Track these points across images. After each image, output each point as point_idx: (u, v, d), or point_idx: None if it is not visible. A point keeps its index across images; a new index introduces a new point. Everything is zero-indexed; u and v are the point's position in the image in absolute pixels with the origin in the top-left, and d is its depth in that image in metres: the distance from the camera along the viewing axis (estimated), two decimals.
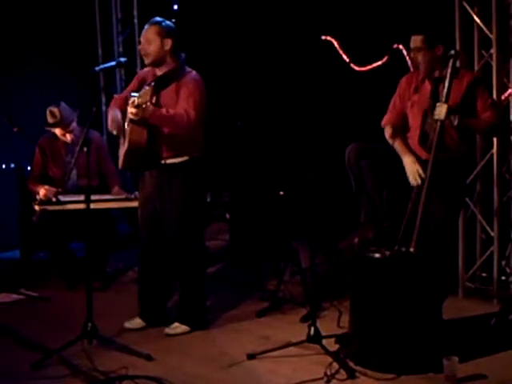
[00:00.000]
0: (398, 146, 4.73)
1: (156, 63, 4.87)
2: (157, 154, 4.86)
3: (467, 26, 5.53)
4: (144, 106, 4.57)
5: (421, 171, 4.52)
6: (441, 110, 4.39)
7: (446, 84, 4.44)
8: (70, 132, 6.32)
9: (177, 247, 4.96)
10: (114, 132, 4.96)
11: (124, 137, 4.90)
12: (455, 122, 4.46)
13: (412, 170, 4.57)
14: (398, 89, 4.92)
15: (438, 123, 4.42)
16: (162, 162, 4.88)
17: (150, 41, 4.85)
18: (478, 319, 5.02)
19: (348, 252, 4.74)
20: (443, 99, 4.42)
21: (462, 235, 5.63)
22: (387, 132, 4.86)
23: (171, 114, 4.74)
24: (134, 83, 5.09)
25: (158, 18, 4.95)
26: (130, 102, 4.64)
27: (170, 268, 5.07)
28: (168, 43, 4.85)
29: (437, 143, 4.42)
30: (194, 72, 4.94)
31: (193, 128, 4.80)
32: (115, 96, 5.13)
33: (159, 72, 4.88)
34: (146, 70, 5.12)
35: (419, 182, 4.52)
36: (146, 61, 4.90)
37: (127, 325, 5.08)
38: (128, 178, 7.03)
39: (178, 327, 4.95)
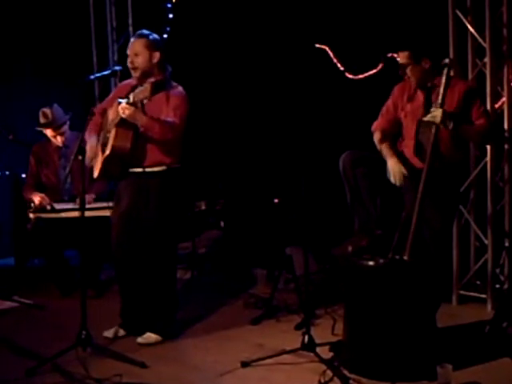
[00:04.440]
0: (384, 149, 4.76)
1: (144, 76, 4.87)
2: (137, 161, 4.88)
3: (461, 34, 5.56)
4: (143, 102, 4.61)
5: (404, 171, 4.56)
6: (436, 114, 4.41)
7: (441, 91, 4.45)
8: (61, 134, 6.33)
9: (149, 256, 4.94)
10: (89, 162, 4.98)
11: (103, 145, 4.92)
12: (450, 126, 4.47)
13: (395, 169, 4.59)
14: (391, 96, 4.94)
15: (434, 127, 4.44)
16: (141, 170, 4.90)
17: (138, 54, 4.86)
18: (472, 327, 5.03)
19: (342, 260, 4.75)
20: (438, 105, 4.44)
21: (456, 243, 5.65)
22: (376, 137, 4.89)
23: (162, 119, 4.79)
24: (117, 92, 5.08)
25: (144, 31, 4.96)
26: (122, 102, 4.64)
27: (147, 277, 5.03)
28: (156, 56, 4.88)
29: (431, 150, 4.44)
30: (181, 87, 4.97)
31: (174, 139, 4.84)
32: (94, 111, 5.06)
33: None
34: (128, 81, 5.11)
35: (401, 182, 4.56)
36: (135, 74, 4.89)
37: (106, 334, 5.06)
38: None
39: (150, 337, 4.92)
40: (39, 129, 6.37)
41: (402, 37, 4.80)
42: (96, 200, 6.24)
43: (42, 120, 6.33)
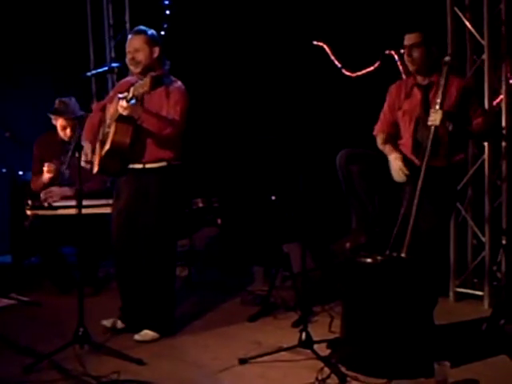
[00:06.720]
0: (387, 147, 4.75)
1: (145, 71, 4.87)
2: (137, 157, 4.88)
3: (459, 31, 5.57)
4: (143, 96, 4.61)
5: (403, 168, 4.54)
6: (436, 117, 4.40)
7: (441, 90, 4.44)
8: (71, 127, 6.23)
9: (148, 252, 4.93)
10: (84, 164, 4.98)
11: (102, 140, 4.92)
12: (450, 128, 4.47)
13: (395, 166, 4.59)
14: (388, 98, 4.93)
15: (432, 129, 4.43)
16: (141, 166, 4.90)
17: (139, 49, 4.87)
18: (469, 324, 5.04)
19: (340, 257, 4.75)
20: (438, 106, 4.42)
21: (453, 241, 5.66)
22: (379, 140, 4.87)
23: (161, 115, 4.80)
24: (117, 89, 5.07)
25: (142, 27, 4.98)
26: (121, 97, 4.63)
27: (146, 274, 5.01)
28: (156, 51, 4.90)
29: (430, 150, 4.43)
30: (180, 82, 4.98)
31: (174, 134, 4.85)
32: (94, 107, 5.07)
33: None
34: (128, 78, 5.10)
35: (401, 179, 4.55)
36: (136, 69, 4.90)
37: (104, 322, 5.08)
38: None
39: (147, 334, 4.92)
40: (51, 115, 6.27)
41: (406, 28, 4.78)
42: (93, 197, 6.17)
43: (57, 106, 6.24)
